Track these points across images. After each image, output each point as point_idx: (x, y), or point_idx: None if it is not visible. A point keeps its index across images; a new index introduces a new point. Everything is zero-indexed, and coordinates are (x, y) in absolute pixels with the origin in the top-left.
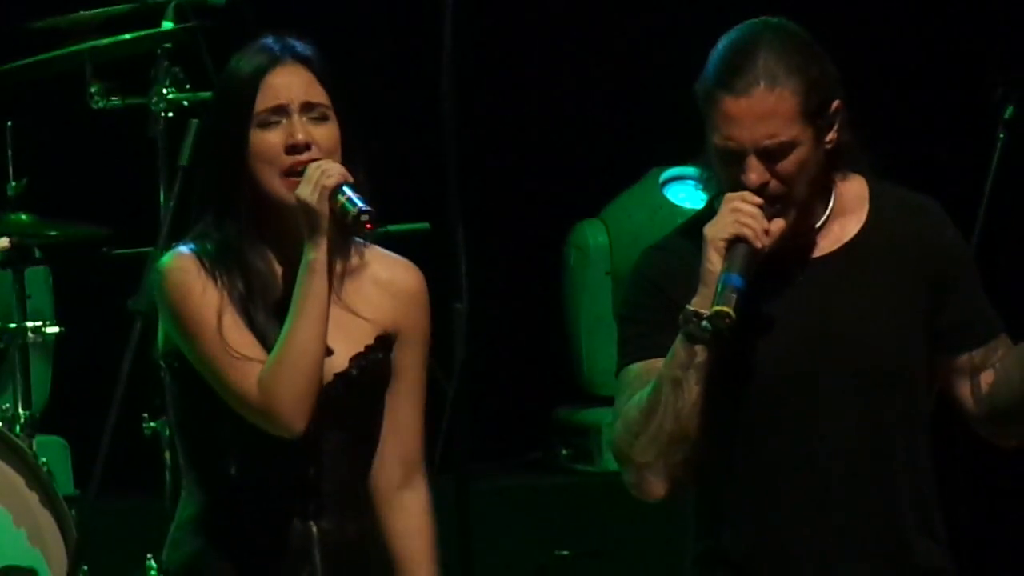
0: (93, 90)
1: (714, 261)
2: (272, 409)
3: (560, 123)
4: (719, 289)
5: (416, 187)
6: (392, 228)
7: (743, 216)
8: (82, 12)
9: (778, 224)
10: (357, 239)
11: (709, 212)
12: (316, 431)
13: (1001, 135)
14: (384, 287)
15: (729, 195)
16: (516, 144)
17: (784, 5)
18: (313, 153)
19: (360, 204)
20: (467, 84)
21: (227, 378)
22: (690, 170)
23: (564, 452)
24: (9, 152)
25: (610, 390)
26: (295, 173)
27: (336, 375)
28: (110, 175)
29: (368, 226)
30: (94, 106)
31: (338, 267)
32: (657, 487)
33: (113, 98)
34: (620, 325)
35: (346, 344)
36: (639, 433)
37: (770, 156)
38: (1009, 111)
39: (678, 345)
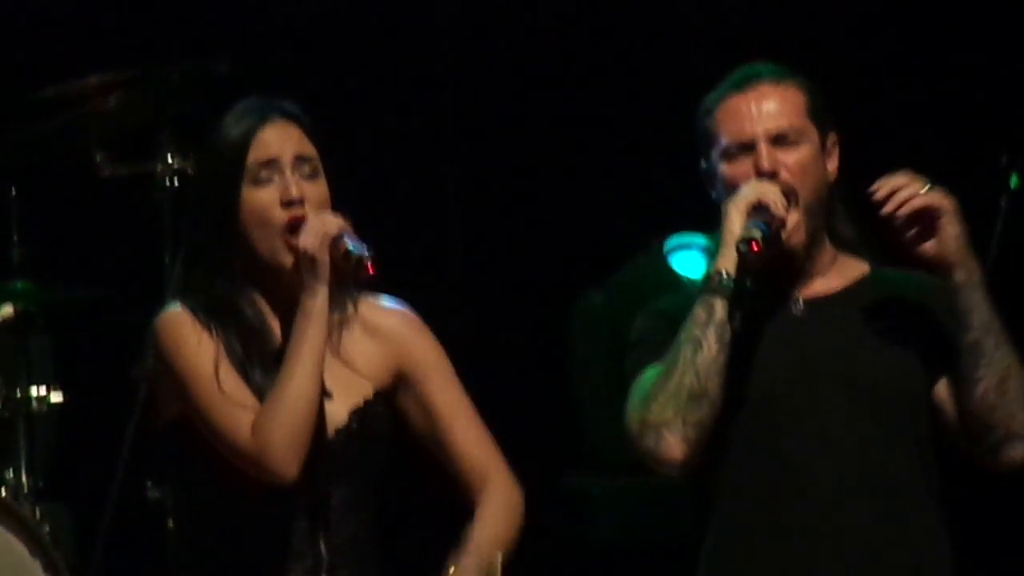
0: (99, 158)
1: (735, 220)
2: (264, 454)
3: (566, 192)
4: (745, 227)
5: (420, 255)
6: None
7: (764, 189)
8: (88, 79)
9: (793, 217)
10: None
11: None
12: (322, 487)
13: (1003, 202)
14: (379, 337)
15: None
16: (521, 212)
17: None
18: (306, 208)
19: (361, 249)
20: (469, 152)
21: (221, 427)
22: (694, 238)
23: (569, 521)
24: (14, 219)
25: (616, 458)
26: (295, 229)
27: (337, 430)
28: (115, 241)
29: (369, 270)
30: (100, 174)
31: (335, 319)
32: (675, 447)
33: (119, 166)
34: (629, 353)
35: (345, 398)
36: (657, 394)
37: (779, 142)
38: (1014, 180)
39: (697, 306)
